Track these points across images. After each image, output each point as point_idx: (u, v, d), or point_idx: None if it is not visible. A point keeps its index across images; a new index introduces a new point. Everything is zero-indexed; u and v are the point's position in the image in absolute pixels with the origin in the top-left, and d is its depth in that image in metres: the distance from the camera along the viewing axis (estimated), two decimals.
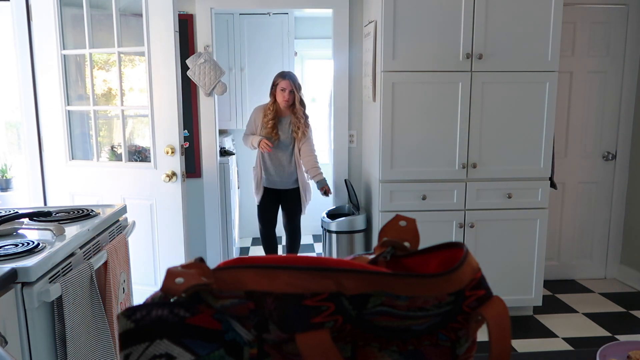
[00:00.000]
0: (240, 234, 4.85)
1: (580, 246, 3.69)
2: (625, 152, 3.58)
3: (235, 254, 4.11)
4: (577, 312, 3.18)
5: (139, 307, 0.40)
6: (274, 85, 3.34)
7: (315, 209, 5.00)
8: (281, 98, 3.30)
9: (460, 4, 2.74)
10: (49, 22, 2.77)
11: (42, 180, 2.99)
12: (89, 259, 1.72)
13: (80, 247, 1.70)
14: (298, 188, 3.47)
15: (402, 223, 0.52)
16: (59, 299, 1.49)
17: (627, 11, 3.42)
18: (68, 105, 2.86)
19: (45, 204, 3.00)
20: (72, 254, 1.63)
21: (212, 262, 3.54)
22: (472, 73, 2.81)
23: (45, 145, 2.95)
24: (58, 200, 2.93)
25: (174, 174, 2.70)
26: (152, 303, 0.41)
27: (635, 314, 3.15)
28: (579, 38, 3.43)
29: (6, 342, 1.28)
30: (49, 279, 1.47)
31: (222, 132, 4.40)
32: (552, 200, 3.40)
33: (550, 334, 2.89)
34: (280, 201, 3.56)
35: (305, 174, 3.45)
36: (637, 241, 3.56)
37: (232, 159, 3.95)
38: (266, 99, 3.44)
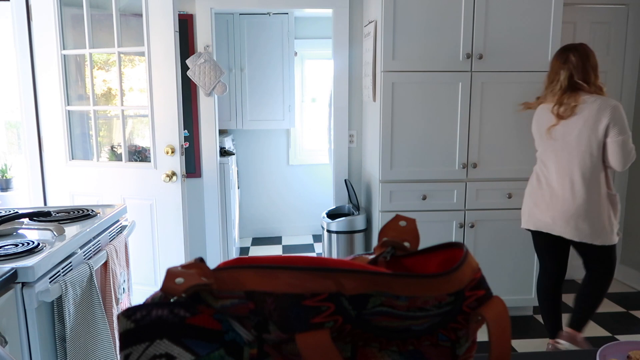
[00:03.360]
0: (240, 234, 4.85)
1: None
2: None
3: (235, 254, 4.10)
4: None
5: (139, 307, 0.40)
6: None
7: (315, 209, 5.02)
8: None
9: (460, 4, 2.74)
10: (49, 22, 2.77)
11: (42, 180, 2.99)
12: (89, 259, 1.72)
13: (80, 247, 1.70)
14: None
15: (402, 223, 0.52)
16: (59, 299, 1.49)
17: (627, 11, 3.42)
18: (68, 105, 2.86)
19: (45, 204, 3.00)
20: (72, 254, 1.63)
21: (212, 262, 3.54)
22: (472, 73, 2.81)
23: (45, 145, 2.95)
24: (58, 200, 2.93)
25: (174, 174, 2.70)
26: (152, 303, 0.41)
27: (635, 314, 3.15)
28: (579, 38, 3.43)
29: (6, 342, 1.28)
30: (49, 279, 1.47)
31: (222, 132, 4.40)
32: None
33: None
34: None
35: None
36: (637, 241, 3.55)
37: (232, 159, 3.95)
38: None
